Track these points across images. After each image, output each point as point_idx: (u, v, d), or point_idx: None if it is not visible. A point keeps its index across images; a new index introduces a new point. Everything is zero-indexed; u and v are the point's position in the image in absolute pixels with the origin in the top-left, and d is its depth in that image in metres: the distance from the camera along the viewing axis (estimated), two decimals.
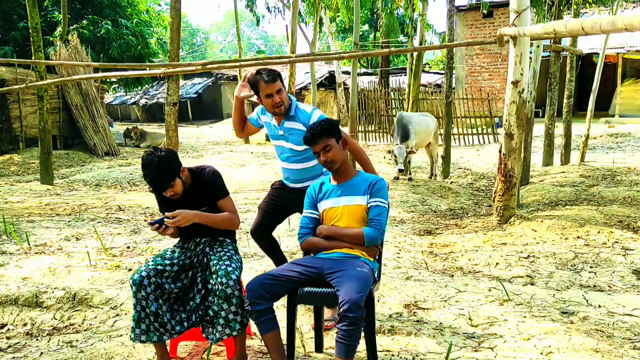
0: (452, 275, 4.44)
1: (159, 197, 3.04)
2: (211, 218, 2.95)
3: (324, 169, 3.31)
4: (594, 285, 4.07)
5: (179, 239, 3.13)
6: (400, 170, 9.14)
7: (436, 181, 9.63)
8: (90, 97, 15.30)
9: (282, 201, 3.53)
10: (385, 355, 2.99)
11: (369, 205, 2.86)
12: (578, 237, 5.30)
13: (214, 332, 2.78)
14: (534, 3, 8.84)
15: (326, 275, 2.72)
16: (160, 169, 2.79)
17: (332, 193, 2.96)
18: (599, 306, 3.63)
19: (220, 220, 2.97)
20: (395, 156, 9.09)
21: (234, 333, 2.78)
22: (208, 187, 2.98)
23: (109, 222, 6.61)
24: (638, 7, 20.23)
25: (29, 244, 5.38)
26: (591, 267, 4.48)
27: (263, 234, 3.58)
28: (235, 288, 2.75)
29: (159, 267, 2.86)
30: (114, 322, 3.58)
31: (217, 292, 2.74)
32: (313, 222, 2.98)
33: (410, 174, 9.61)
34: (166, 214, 2.83)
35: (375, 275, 2.91)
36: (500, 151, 6.06)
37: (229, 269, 2.79)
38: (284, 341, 2.84)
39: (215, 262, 2.87)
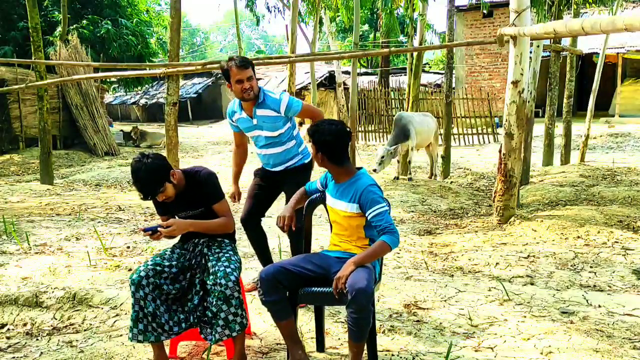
0: (452, 275, 4.44)
1: (154, 201, 3.02)
2: (205, 225, 2.95)
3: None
4: (594, 285, 4.07)
5: (177, 239, 3.13)
6: (374, 170, 9.15)
7: (436, 181, 9.63)
8: (90, 97, 15.30)
9: (267, 184, 3.81)
10: (385, 355, 2.99)
11: (369, 217, 2.78)
12: (578, 237, 5.30)
13: (213, 332, 2.78)
14: (534, 3, 8.82)
15: (332, 274, 2.74)
16: (148, 176, 2.77)
17: (332, 191, 2.97)
18: (599, 306, 3.63)
19: (215, 226, 2.98)
20: (377, 155, 9.04)
21: (234, 334, 2.77)
22: (203, 190, 2.96)
23: (109, 222, 6.61)
24: (638, 7, 20.22)
25: (29, 244, 5.38)
26: (591, 267, 4.48)
27: (254, 222, 3.79)
28: (235, 289, 2.74)
29: (158, 267, 2.86)
30: (114, 322, 3.58)
31: (217, 293, 2.73)
32: (316, 191, 3.09)
33: (410, 174, 9.61)
34: (160, 222, 2.85)
35: (376, 272, 2.92)
36: (500, 151, 6.06)
37: (228, 270, 2.78)
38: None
39: (213, 262, 2.86)
